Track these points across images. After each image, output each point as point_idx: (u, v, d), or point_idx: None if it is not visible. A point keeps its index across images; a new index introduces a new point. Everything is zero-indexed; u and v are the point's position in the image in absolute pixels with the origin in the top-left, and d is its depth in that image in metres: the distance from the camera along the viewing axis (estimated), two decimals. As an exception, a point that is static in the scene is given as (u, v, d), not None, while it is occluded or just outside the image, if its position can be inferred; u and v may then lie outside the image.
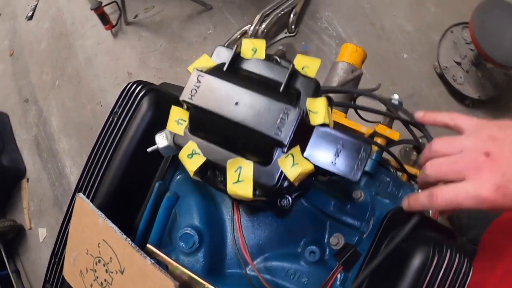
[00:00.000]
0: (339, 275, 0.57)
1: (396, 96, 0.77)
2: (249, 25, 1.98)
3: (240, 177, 0.40)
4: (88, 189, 0.69)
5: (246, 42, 0.46)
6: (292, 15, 2.01)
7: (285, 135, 0.38)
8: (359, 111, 1.05)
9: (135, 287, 0.58)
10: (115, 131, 0.67)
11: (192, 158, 0.43)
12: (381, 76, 1.85)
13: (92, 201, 0.68)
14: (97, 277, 0.63)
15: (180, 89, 0.78)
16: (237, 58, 0.45)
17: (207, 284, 0.56)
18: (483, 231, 0.77)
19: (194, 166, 0.42)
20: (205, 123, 0.43)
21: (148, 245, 0.61)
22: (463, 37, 1.84)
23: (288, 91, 0.41)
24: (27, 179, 2.47)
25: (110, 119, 0.70)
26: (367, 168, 0.71)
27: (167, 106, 0.68)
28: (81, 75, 2.44)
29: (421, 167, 0.52)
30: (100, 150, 0.70)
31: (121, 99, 0.70)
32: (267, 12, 1.97)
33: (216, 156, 0.42)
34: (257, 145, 0.40)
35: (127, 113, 0.66)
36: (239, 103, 0.39)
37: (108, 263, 0.61)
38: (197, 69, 0.45)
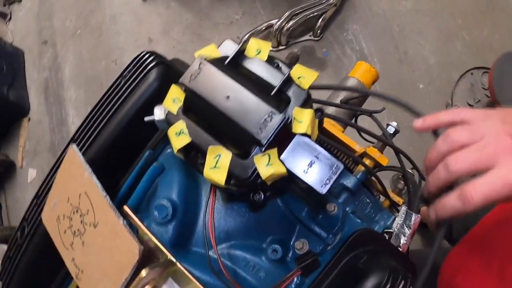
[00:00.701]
0: (295, 279, 0.59)
1: (394, 124, 0.79)
2: (277, 20, 1.99)
3: (217, 164, 0.43)
4: (83, 142, 0.71)
5: (253, 42, 0.47)
6: (320, 20, 2.01)
7: (265, 136, 0.40)
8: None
9: (104, 242, 0.61)
10: (120, 93, 0.69)
11: (179, 136, 0.45)
12: (392, 100, 1.86)
13: (84, 154, 0.70)
14: (72, 226, 0.66)
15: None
16: (240, 55, 0.47)
17: (169, 255, 0.58)
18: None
19: (179, 144, 0.45)
20: (197, 107, 0.45)
21: (125, 207, 0.63)
22: (481, 82, 1.84)
23: (279, 96, 0.43)
24: (29, 119, 2.50)
25: (118, 81, 0.72)
26: (349, 185, 0.73)
27: (173, 82, 0.70)
28: (103, 29, 2.45)
29: (429, 171, 0.47)
30: (102, 108, 0.72)
31: (132, 65, 0.72)
32: (297, 11, 1.98)
33: (201, 140, 0.44)
34: (238, 139, 0.42)
35: (134, 80, 0.68)
36: (230, 97, 0.42)
37: (84, 215, 0.64)
38: (201, 57, 0.47)
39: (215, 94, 0.43)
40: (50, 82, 2.52)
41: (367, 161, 0.76)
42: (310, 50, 2.05)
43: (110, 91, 0.72)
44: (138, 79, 0.68)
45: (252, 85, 0.43)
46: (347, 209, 0.73)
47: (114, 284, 0.60)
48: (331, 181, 0.41)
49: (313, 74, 0.44)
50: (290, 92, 0.43)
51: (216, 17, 2.23)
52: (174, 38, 2.27)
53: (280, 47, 2.08)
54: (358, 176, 0.74)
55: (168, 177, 0.65)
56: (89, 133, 0.71)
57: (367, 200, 0.77)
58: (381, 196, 0.93)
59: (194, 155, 0.46)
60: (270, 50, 2.05)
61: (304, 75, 0.43)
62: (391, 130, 0.79)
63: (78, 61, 2.47)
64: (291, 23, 1.97)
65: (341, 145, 0.86)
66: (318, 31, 2.04)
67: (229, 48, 0.47)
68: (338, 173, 0.41)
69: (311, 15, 1.98)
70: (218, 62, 0.45)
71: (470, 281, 0.61)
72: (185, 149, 0.46)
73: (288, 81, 0.43)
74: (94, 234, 0.62)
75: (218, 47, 0.48)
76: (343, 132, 0.92)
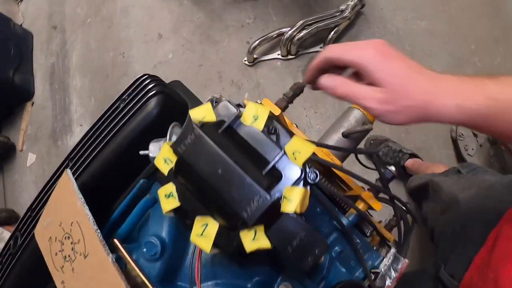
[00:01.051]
0: None
1: (392, 168, 0.79)
2: (289, 28, 1.96)
3: (204, 233, 0.43)
4: (78, 163, 0.71)
5: (251, 107, 0.46)
6: (332, 32, 1.99)
7: (251, 218, 0.40)
8: (358, 156, 1.07)
9: (93, 274, 0.61)
10: (118, 118, 0.69)
11: (169, 199, 0.45)
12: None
13: (79, 176, 0.70)
14: (63, 250, 0.66)
15: (191, 96, 0.79)
16: (236, 121, 0.46)
17: None
18: (459, 265, 0.83)
19: (168, 207, 0.45)
20: (187, 175, 0.44)
21: (115, 240, 0.63)
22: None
23: (271, 172, 0.42)
24: (32, 103, 2.50)
25: (117, 104, 0.71)
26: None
27: (173, 112, 0.70)
28: (114, 21, 2.44)
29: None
30: (99, 130, 0.71)
31: (131, 89, 0.71)
32: (310, 22, 1.95)
33: (189, 206, 0.44)
34: (225, 214, 0.42)
35: (133, 106, 0.68)
36: (221, 173, 0.41)
37: (75, 243, 0.63)
38: (194, 122, 0.46)
39: (206, 168, 0.42)
40: (56, 68, 2.51)
41: (361, 204, 0.76)
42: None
43: (109, 113, 0.72)
44: (138, 105, 0.67)
45: (245, 160, 0.42)
46: (336, 248, 0.74)
47: (99, 314, 0.60)
48: (315, 260, 0.41)
49: (309, 148, 0.43)
50: (283, 168, 0.43)
51: (227, 19, 2.21)
52: (183, 36, 2.25)
53: (290, 56, 2.06)
54: (350, 219, 0.74)
55: (159, 212, 0.65)
56: (86, 155, 0.71)
57: (357, 240, 0.76)
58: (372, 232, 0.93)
59: (183, 214, 0.46)
60: (279, 59, 2.04)
61: (300, 150, 0.42)
62: (388, 175, 0.78)
63: (86, 50, 2.46)
64: (303, 33, 1.95)
65: (338, 180, 0.86)
66: (330, 44, 2.01)
67: (225, 111, 0.46)
68: (322, 252, 0.41)
69: (324, 27, 1.96)
70: (212, 129, 0.45)
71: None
72: (174, 209, 0.46)
73: (282, 157, 0.43)
74: (84, 264, 0.62)
75: (214, 108, 0.47)
76: (342, 164, 0.91)
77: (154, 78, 0.72)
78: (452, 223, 0.97)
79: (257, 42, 2.02)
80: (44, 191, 0.78)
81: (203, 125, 0.46)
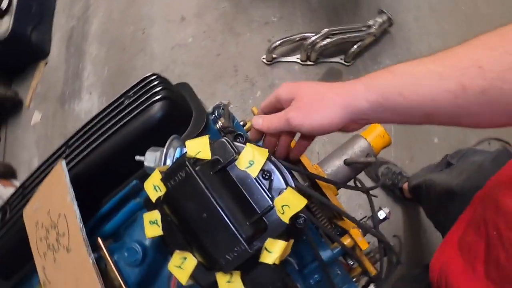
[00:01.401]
0: None
1: (386, 210, 0.78)
2: (313, 34, 1.94)
3: (182, 265, 0.43)
4: (75, 153, 0.71)
5: (248, 151, 0.45)
6: (356, 46, 1.96)
7: (228, 267, 0.40)
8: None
9: (73, 270, 0.61)
10: (121, 115, 0.68)
11: (152, 225, 0.45)
12: (404, 147, 1.83)
13: (74, 166, 0.69)
14: (48, 238, 0.66)
15: (197, 102, 0.78)
16: (232, 163, 0.45)
17: None
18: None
19: (151, 234, 0.45)
20: (173, 210, 0.44)
21: (99, 239, 0.63)
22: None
23: (257, 224, 0.41)
24: (46, 63, 2.50)
25: (122, 99, 0.70)
26: (324, 258, 0.72)
27: (176, 120, 0.69)
28: (138, -5, 2.41)
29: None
30: (101, 123, 0.71)
31: (138, 87, 0.70)
32: (335, 31, 1.93)
33: (171, 238, 0.44)
34: (204, 256, 0.42)
35: (138, 106, 0.67)
36: (206, 217, 0.41)
37: (60, 235, 0.63)
38: (188, 157, 0.45)
39: (192, 208, 0.42)
40: (75, 32, 2.50)
41: (347, 240, 0.75)
42: (337, 73, 2.01)
43: (112, 107, 0.71)
44: (142, 107, 0.66)
45: (233, 206, 0.41)
46: (316, 276, 0.73)
47: (71, 309, 0.60)
48: None
49: (301, 203, 0.42)
50: (270, 220, 0.42)
51: (253, 13, 2.18)
52: (206, 23, 2.23)
53: (308, 62, 2.04)
54: (334, 252, 0.73)
55: (146, 219, 0.64)
56: (83, 146, 0.70)
57: (338, 271, 0.76)
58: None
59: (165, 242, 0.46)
60: (297, 63, 2.01)
61: (290, 204, 0.42)
62: (381, 215, 0.78)
63: (107, 19, 2.45)
64: (326, 41, 1.93)
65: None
66: (351, 57, 1.99)
67: (222, 151, 0.45)
68: None
69: (349, 39, 1.93)
70: (205, 167, 0.44)
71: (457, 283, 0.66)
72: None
73: (270, 210, 0.42)
74: (66, 257, 0.62)
75: (211, 144, 0.46)
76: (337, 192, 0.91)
77: (162, 80, 0.70)
78: (451, 213, 0.97)
79: (278, 42, 2.00)
80: (39, 170, 0.78)
81: (196, 162, 0.45)
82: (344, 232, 0.80)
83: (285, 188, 0.44)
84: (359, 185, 0.96)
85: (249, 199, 0.43)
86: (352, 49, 1.97)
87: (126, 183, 0.70)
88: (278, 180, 0.45)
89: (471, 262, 0.71)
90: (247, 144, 0.46)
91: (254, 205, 0.42)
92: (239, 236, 0.40)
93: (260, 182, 0.44)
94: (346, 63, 2.01)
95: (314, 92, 0.52)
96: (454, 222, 0.92)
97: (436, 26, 2.05)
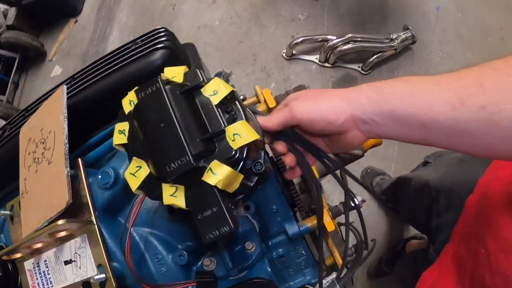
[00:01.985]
0: (190, 287, 0.63)
1: (359, 198, 0.79)
2: (335, 38, 1.96)
3: (136, 173, 0.47)
4: (77, 84, 0.75)
5: (215, 82, 0.48)
6: (375, 56, 1.97)
7: (170, 174, 0.44)
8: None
9: (49, 180, 0.65)
10: (125, 57, 0.72)
11: (120, 135, 0.49)
12: (405, 164, 1.83)
13: (74, 95, 0.73)
14: (35, 152, 0.70)
15: (198, 62, 0.81)
16: (198, 89, 0.48)
17: (93, 217, 0.63)
18: (443, 242, 0.81)
19: (117, 141, 0.49)
20: (138, 120, 0.48)
21: (79, 159, 0.67)
22: None
23: (207, 143, 0.44)
24: (76, 21, 2.57)
25: (130, 45, 0.74)
26: (288, 231, 0.74)
27: (172, 65, 0.72)
28: (176, -29, 2.47)
29: None
30: (105, 63, 0.75)
31: (147, 36, 0.74)
32: (357, 38, 1.94)
33: (133, 146, 0.49)
34: (155, 164, 0.45)
35: (141, 51, 0.71)
36: (162, 128, 0.45)
37: (46, 150, 0.68)
38: (161, 78, 0.49)
39: (153, 118, 0.45)
40: (109, -3, 2.57)
41: (315, 220, 0.77)
42: (352, 80, 2.03)
43: (119, 50, 0.75)
44: (145, 52, 0.70)
45: (189, 124, 0.44)
46: (280, 250, 0.76)
47: (42, 218, 0.64)
48: (216, 237, 0.43)
49: (252, 136, 0.44)
50: (220, 144, 0.45)
51: (281, 8, 2.22)
52: (235, 9, 2.27)
53: (326, 64, 2.06)
54: (301, 228, 0.75)
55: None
56: (86, 79, 0.74)
57: (303, 251, 0.78)
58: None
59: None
60: (315, 63, 2.03)
61: (241, 133, 0.44)
62: (354, 203, 0.79)
63: (141, -10, 2.51)
64: (347, 46, 1.95)
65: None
66: (369, 66, 2.00)
67: (193, 77, 0.48)
68: (227, 233, 0.43)
69: (370, 48, 1.95)
70: (175, 88, 0.47)
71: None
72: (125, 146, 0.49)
73: (221, 134, 0.45)
74: (46, 169, 0.66)
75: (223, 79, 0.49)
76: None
77: (169, 34, 0.74)
78: (429, 207, 0.96)
79: (301, 39, 2.03)
80: (43, 98, 0.82)
81: (169, 82, 0.49)
82: (314, 212, 0.82)
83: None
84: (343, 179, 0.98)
85: (206, 121, 0.46)
86: (371, 59, 1.98)
87: (116, 121, 0.74)
88: (238, 117, 0.48)
89: (461, 277, 0.70)
90: (215, 77, 0.50)
91: (209, 127, 0.45)
92: (186, 148, 0.43)
93: (220, 112, 0.47)
94: (363, 72, 2.03)
95: (316, 90, 0.53)
96: (439, 221, 0.91)
97: (460, 53, 2.05)
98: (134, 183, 0.47)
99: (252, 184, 0.51)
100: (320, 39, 2.03)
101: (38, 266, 0.66)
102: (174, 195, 0.44)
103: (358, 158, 0.98)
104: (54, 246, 0.65)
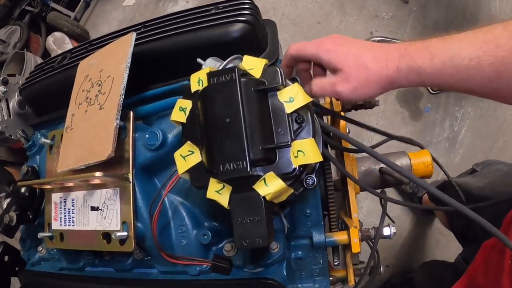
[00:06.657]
0: (204, 265, 0.64)
1: (393, 229, 0.76)
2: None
3: (186, 158, 0.46)
4: (148, 34, 0.72)
5: (293, 88, 0.46)
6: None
7: (222, 175, 0.42)
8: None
9: (96, 125, 0.65)
10: (202, 20, 0.69)
11: (180, 112, 0.47)
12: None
13: (141, 44, 0.71)
14: (89, 91, 0.70)
15: (275, 43, 0.77)
16: (274, 90, 0.46)
17: (130, 174, 0.63)
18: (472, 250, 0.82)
19: (175, 117, 0.48)
20: (203, 105, 0.46)
21: (131, 112, 0.66)
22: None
23: (269, 152, 0.42)
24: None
25: (210, 7, 0.71)
26: (314, 239, 0.72)
27: (248, 45, 0.69)
28: None
29: None
30: (182, 19, 0.72)
31: (230, 3, 0.71)
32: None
33: (190, 128, 0.47)
34: (208, 157, 0.44)
35: (221, 18, 0.68)
36: (228, 123, 0.42)
37: (101, 93, 0.67)
38: (238, 69, 0.46)
39: (220, 109, 0.43)
40: None
41: (343, 236, 0.74)
42: (418, 96, 1.92)
43: (199, 10, 0.72)
44: (224, 20, 0.67)
45: (256, 127, 0.42)
46: (299, 252, 0.75)
47: (80, 159, 0.64)
48: (248, 246, 0.42)
49: (317, 157, 0.41)
50: (282, 156, 0.42)
51: (368, 2, 2.09)
52: (322, -6, 2.17)
53: (395, 72, 1.95)
54: (326, 239, 0.73)
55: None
56: (158, 31, 0.72)
57: (320, 260, 0.77)
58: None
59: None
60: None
61: (306, 152, 0.41)
62: (386, 231, 0.75)
63: None
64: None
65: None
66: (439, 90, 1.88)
67: (271, 76, 0.45)
68: (257, 246, 0.41)
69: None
70: (250, 83, 0.44)
71: None
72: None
73: (285, 147, 0.42)
74: (96, 113, 0.66)
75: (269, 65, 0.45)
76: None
77: (254, 8, 0.70)
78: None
79: (379, 38, 1.93)
80: (110, 36, 0.81)
81: (245, 75, 0.46)
82: (345, 228, 0.80)
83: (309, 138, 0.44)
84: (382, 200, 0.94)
85: (273, 128, 0.43)
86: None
87: (177, 80, 0.72)
88: (306, 130, 0.45)
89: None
90: (296, 83, 0.46)
91: (274, 136, 0.43)
92: (246, 153, 0.40)
93: (290, 121, 0.44)
94: (431, 91, 1.91)
95: (358, 63, 0.52)
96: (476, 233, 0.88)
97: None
98: (182, 166, 0.45)
99: (296, 194, 0.50)
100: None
101: (65, 202, 0.67)
102: (219, 192, 0.43)
103: (402, 184, 0.94)
104: (84, 189, 0.65)
